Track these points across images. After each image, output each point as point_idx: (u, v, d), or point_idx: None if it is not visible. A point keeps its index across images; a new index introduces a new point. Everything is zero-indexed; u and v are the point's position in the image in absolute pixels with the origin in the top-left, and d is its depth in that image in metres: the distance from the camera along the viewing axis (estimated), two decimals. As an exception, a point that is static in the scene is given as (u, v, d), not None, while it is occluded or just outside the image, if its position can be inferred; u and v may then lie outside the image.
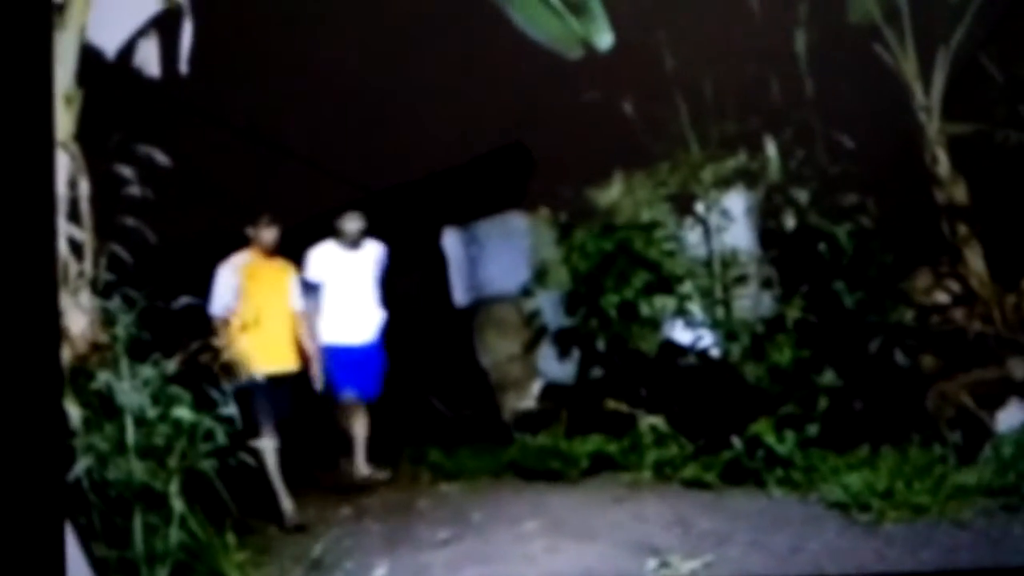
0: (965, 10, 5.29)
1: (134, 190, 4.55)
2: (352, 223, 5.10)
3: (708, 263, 5.38)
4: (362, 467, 5.00)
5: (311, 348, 4.94)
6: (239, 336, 4.77)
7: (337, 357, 5.05)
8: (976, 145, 5.32)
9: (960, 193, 5.31)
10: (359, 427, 5.03)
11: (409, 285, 5.22)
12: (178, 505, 4.06)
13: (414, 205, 5.41)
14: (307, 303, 5.00)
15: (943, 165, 5.36)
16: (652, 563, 4.02)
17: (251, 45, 4.94)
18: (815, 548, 4.08)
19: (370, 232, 5.07)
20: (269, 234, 4.86)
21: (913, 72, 5.45)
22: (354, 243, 5.08)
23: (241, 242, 4.82)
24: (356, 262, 5.15)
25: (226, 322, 4.78)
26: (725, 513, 4.45)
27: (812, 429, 4.79)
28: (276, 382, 4.79)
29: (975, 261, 5.24)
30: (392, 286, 5.11)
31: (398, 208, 5.28)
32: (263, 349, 4.79)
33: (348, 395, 5.02)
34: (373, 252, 5.18)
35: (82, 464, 4.02)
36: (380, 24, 5.04)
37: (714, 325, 5.29)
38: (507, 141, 5.30)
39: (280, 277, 4.95)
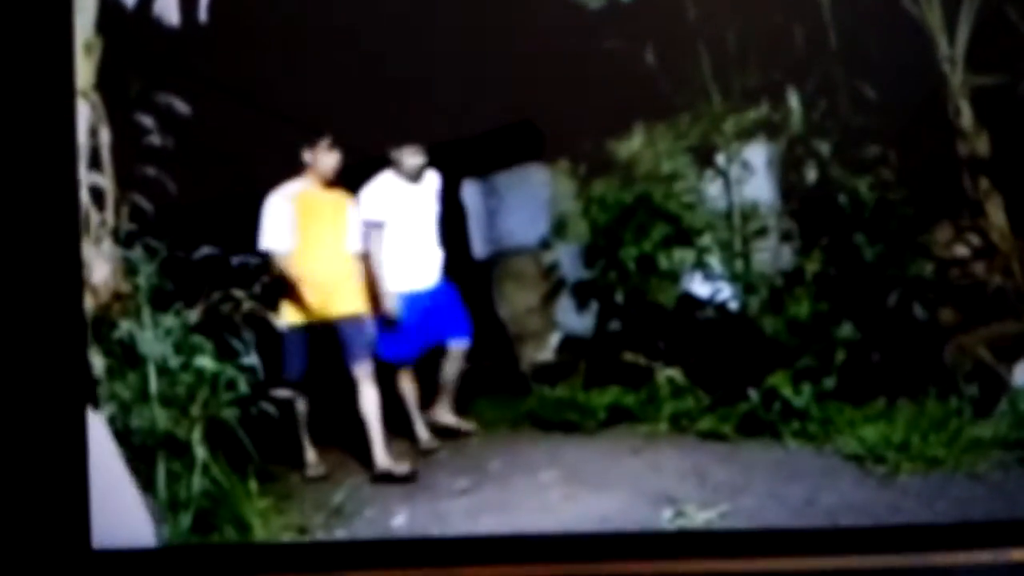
0: (992, -41, 5.20)
1: (155, 139, 4.56)
2: (413, 158, 4.61)
3: (728, 216, 5.35)
4: (447, 415, 4.72)
5: (377, 287, 4.51)
6: (295, 275, 4.48)
7: (407, 306, 4.70)
8: (1000, 97, 5.26)
9: (983, 146, 5.26)
10: (411, 388, 4.73)
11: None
12: (201, 453, 4.12)
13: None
14: (366, 244, 4.60)
15: (966, 117, 5.30)
16: (668, 512, 4.07)
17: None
18: (830, 499, 4.12)
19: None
20: (329, 159, 4.44)
21: (938, 23, 5.36)
22: (415, 177, 4.65)
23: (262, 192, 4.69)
24: (418, 196, 4.72)
25: (280, 259, 4.46)
26: (741, 464, 4.48)
27: (829, 382, 4.80)
28: (345, 325, 4.49)
29: (996, 215, 5.20)
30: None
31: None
32: (321, 290, 4.51)
33: (403, 355, 4.71)
34: (433, 183, 4.76)
35: (105, 412, 4.09)
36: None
37: (733, 278, 5.27)
38: (519, 103, 5.15)
39: (339, 209, 4.57)
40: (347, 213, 4.57)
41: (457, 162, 5.37)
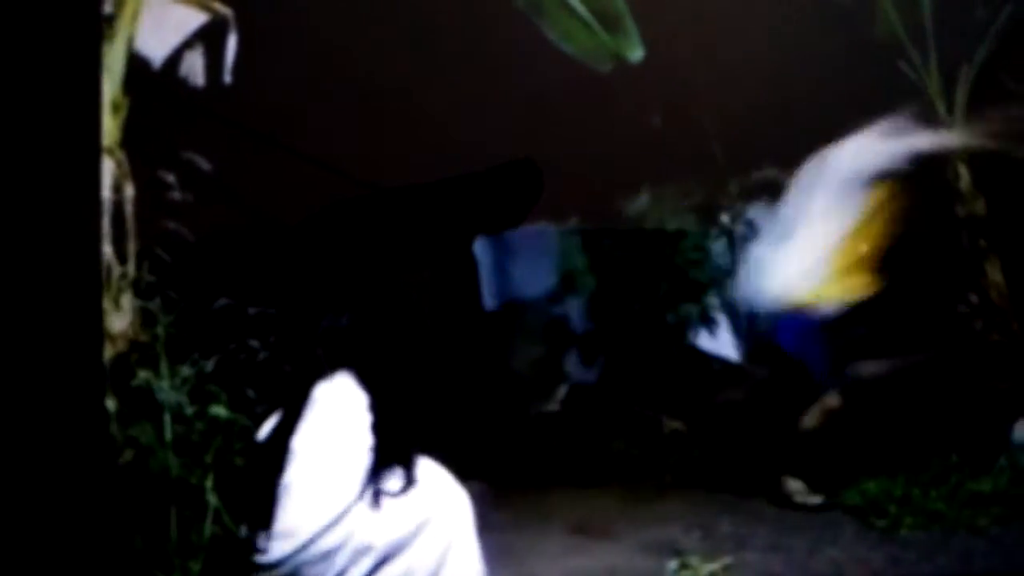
0: (988, 29, 5.35)
1: (176, 195, 4.65)
2: None
3: (733, 272, 5.43)
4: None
5: None
6: None
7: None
8: (996, 161, 5.38)
9: (980, 207, 5.37)
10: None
11: (421, 287, 5.16)
12: (212, 499, 4.16)
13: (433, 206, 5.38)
14: None
15: (964, 180, 5.41)
16: (673, 564, 4.10)
17: (292, 56, 5.05)
18: (833, 552, 4.15)
19: (384, 231, 4.98)
20: None
21: (936, 89, 5.50)
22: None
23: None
24: None
25: None
26: (745, 516, 4.53)
27: (832, 435, 4.86)
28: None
29: (994, 273, 5.29)
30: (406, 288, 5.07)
31: (415, 208, 5.28)
32: None
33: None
34: None
35: (124, 458, 4.14)
36: (418, 36, 5.12)
37: (737, 333, 5.35)
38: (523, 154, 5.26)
39: None
40: None
41: (469, 218, 5.46)
